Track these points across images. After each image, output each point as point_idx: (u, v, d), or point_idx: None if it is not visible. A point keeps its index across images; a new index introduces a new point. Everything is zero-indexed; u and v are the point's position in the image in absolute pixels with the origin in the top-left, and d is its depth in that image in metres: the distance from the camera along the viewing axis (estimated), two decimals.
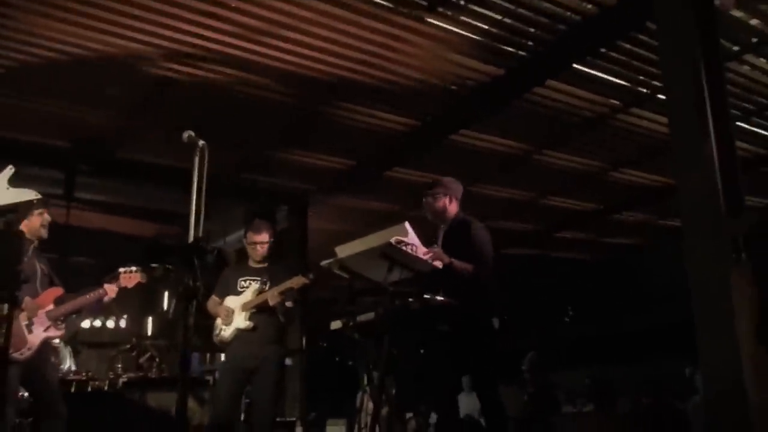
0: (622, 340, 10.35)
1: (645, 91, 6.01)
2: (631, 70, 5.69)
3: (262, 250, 4.74)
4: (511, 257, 10.09)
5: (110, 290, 4.24)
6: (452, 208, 4.24)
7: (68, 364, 6.21)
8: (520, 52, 5.41)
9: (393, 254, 3.48)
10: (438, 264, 3.76)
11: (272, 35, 5.04)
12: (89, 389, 6.34)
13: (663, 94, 5.55)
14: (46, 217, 4.15)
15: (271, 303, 4.50)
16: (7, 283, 2.32)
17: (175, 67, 5.41)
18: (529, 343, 8.70)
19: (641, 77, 5.79)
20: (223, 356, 6.69)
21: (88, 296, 4.24)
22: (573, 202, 8.87)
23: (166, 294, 9.80)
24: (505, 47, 5.35)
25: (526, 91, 5.93)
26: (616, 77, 5.78)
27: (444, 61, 5.48)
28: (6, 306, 2.36)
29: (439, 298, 3.78)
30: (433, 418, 5.73)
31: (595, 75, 5.75)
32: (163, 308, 9.92)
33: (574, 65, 5.59)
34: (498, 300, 4.13)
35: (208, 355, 8.47)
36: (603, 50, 5.39)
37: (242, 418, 5.28)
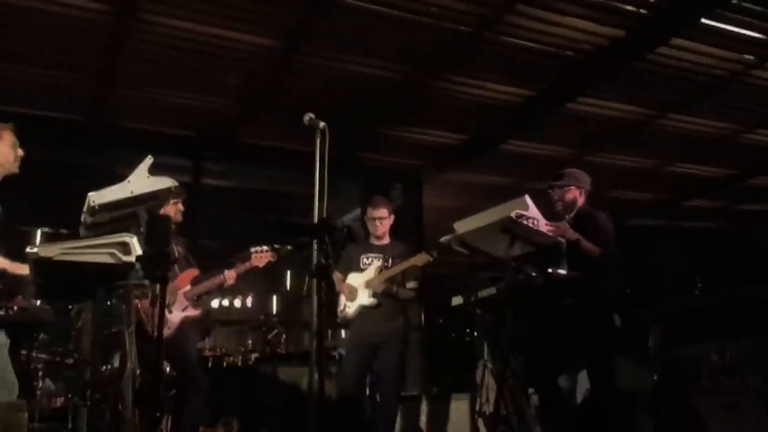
0: (756, 312, 9.65)
1: None
2: None
3: (381, 226, 4.79)
4: (635, 228, 9.67)
5: (230, 277, 4.47)
6: (581, 200, 4.16)
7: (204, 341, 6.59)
8: (641, 11, 5.12)
9: (514, 228, 3.43)
10: (562, 239, 3.69)
11: (382, 13, 5.05)
12: (224, 365, 6.73)
13: None
14: (180, 206, 4.44)
15: (384, 284, 4.55)
16: (158, 263, 2.48)
17: (290, 52, 5.55)
18: (656, 316, 8.32)
19: None
20: (343, 333, 6.87)
21: (213, 280, 4.48)
22: (702, 168, 8.35)
23: (289, 273, 10.18)
24: (624, 6, 5.07)
25: (649, 52, 5.61)
26: (751, 30, 5.34)
27: (558, 25, 5.28)
28: (158, 286, 2.52)
29: (562, 271, 3.70)
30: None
31: (727, 29, 5.34)
32: (286, 287, 10.31)
33: (703, 20, 5.21)
34: (619, 288, 4.05)
35: (329, 332, 8.72)
36: (735, 1, 4.98)
37: (367, 393, 5.40)
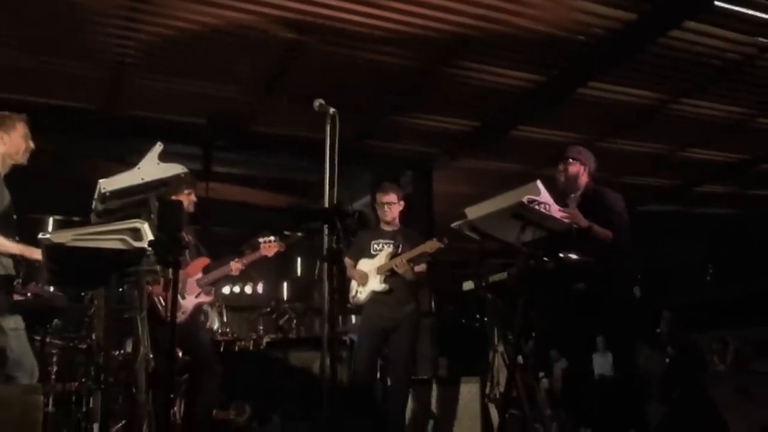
0: None
1: None
2: None
3: (391, 211, 4.79)
4: (647, 214, 9.62)
5: (235, 268, 4.50)
6: (584, 178, 4.14)
7: (216, 325, 6.65)
8: None
9: (525, 214, 3.40)
10: (574, 225, 3.67)
11: None
12: (236, 349, 6.79)
13: None
14: (193, 197, 4.45)
15: (399, 270, 4.54)
16: (171, 249, 2.49)
17: (299, 38, 5.53)
18: (668, 303, 8.29)
19: None
20: (353, 319, 6.89)
21: (222, 269, 4.52)
22: (715, 154, 8.28)
23: (299, 259, 10.22)
24: None
25: (662, 36, 5.55)
26: (764, 12, 5.27)
27: (569, 9, 5.23)
28: (170, 271, 2.53)
29: (574, 256, 3.69)
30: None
31: (740, 11, 5.27)
32: (297, 273, 10.37)
33: (716, 2, 5.15)
34: (636, 267, 4.01)
35: (340, 317, 8.74)
36: None
37: (378, 377, 5.43)
